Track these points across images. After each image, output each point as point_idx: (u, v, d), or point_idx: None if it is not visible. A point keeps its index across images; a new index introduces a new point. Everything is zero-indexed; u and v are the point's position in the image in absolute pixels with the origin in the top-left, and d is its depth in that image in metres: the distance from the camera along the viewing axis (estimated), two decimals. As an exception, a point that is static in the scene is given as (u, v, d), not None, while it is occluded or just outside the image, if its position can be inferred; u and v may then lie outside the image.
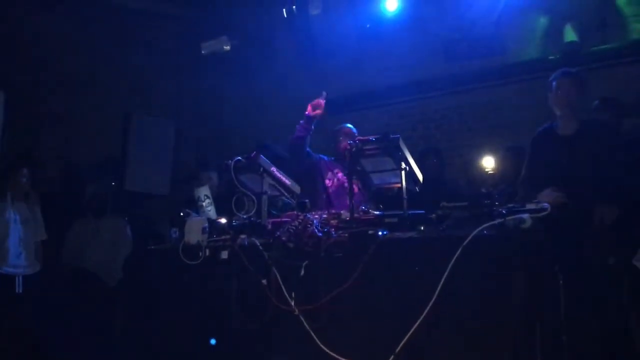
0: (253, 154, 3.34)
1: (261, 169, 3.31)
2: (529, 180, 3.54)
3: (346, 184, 3.63)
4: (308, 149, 4.22)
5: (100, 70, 5.98)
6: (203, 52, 6.06)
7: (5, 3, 5.53)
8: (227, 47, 6.25)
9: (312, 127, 4.10)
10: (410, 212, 2.92)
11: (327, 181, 4.21)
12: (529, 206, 2.57)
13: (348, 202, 3.17)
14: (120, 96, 6.28)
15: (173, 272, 3.32)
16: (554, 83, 3.56)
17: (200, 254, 3.17)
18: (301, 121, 4.12)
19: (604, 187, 3.17)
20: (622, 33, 5.33)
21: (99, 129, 6.11)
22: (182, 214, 3.42)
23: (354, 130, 4.42)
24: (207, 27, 6.54)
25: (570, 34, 5.46)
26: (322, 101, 4.06)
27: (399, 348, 2.57)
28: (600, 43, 5.42)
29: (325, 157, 4.38)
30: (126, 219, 5.28)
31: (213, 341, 3.09)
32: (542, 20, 5.64)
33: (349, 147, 3.18)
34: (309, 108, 4.04)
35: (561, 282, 2.67)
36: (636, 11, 5.21)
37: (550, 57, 5.59)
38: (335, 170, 4.25)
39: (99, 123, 6.17)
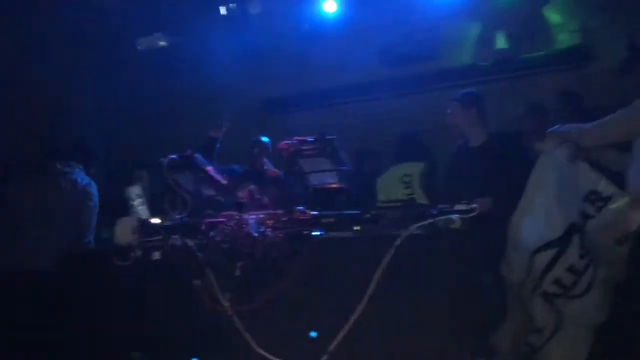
0: (188, 152, 3.28)
1: (196, 167, 3.25)
2: (449, 192, 3.68)
3: (257, 197, 3.68)
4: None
5: (27, 67, 5.72)
6: (139, 48, 5.91)
7: None
8: (163, 44, 6.14)
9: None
10: (346, 212, 2.95)
11: (239, 193, 4.20)
12: (459, 207, 2.64)
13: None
14: (47, 92, 6.02)
15: (104, 273, 3.21)
16: (453, 105, 3.80)
17: (131, 254, 3.08)
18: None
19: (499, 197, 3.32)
20: (550, 42, 5.58)
21: (27, 128, 5.83)
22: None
23: (267, 143, 4.49)
24: (141, 23, 6.37)
25: (501, 42, 5.67)
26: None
27: (332, 346, 2.58)
28: (530, 51, 5.66)
29: (237, 168, 4.43)
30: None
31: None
32: (475, 27, 5.83)
33: (286, 147, 3.18)
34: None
35: (488, 279, 2.76)
36: (561, 22, 5.47)
37: (483, 64, 5.79)
38: (246, 183, 4.25)
39: (26, 122, 5.90)
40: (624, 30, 3.04)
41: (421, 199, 3.49)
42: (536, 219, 2.81)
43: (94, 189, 3.93)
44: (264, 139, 4.61)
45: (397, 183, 4.66)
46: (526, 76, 5.62)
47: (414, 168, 4.64)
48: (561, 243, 2.73)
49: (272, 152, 4.65)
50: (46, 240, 3.68)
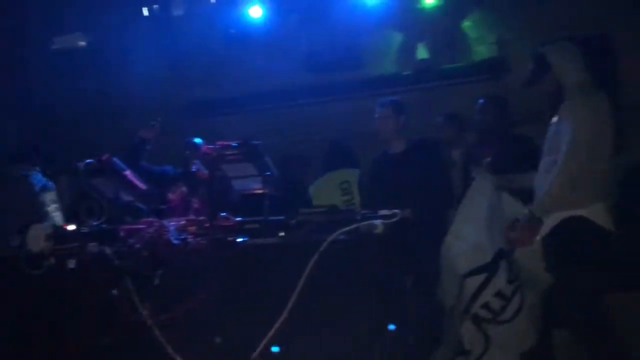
0: (105, 156, 3.17)
1: (114, 172, 3.14)
2: (370, 200, 3.75)
3: (189, 200, 3.62)
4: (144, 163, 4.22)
5: None
6: (54, 47, 5.64)
7: None
8: (82, 44, 5.90)
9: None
10: (270, 218, 2.93)
11: (170, 195, 4.11)
12: (382, 212, 2.70)
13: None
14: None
15: (14, 282, 3.03)
16: (375, 113, 3.87)
17: (45, 263, 2.92)
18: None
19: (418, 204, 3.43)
20: (468, 54, 5.81)
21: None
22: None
23: (200, 144, 4.44)
24: (60, 23, 6.09)
25: (422, 52, 5.84)
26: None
27: (255, 354, 2.56)
28: (450, 62, 5.87)
29: (170, 169, 4.35)
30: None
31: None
32: (397, 37, 5.98)
33: (209, 151, 3.14)
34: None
35: (408, 285, 2.83)
36: (479, 34, 5.72)
37: (405, 73, 5.94)
38: (179, 185, 4.17)
39: None
40: (535, 44, 3.22)
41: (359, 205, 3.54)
42: (466, 244, 2.93)
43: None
44: (197, 140, 4.51)
45: (334, 189, 4.72)
46: (445, 86, 5.82)
47: (351, 175, 4.72)
48: (490, 268, 2.85)
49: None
50: None
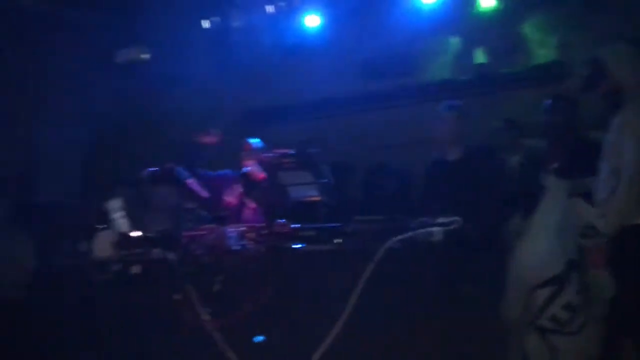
0: (168, 165, 3.27)
1: (176, 181, 3.24)
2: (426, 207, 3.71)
3: (244, 201, 3.66)
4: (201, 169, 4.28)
5: (7, 78, 5.66)
6: (117, 60, 5.87)
7: None
8: (146, 56, 6.11)
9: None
10: (326, 225, 2.95)
11: (226, 198, 4.18)
12: (440, 220, 2.66)
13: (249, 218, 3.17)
14: (28, 105, 5.97)
15: (83, 287, 3.17)
16: (439, 116, 3.78)
17: (111, 268, 3.04)
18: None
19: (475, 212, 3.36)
20: (528, 58, 5.68)
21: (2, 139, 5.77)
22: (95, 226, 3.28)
23: (256, 145, 4.46)
24: (125, 36, 6.35)
25: (480, 57, 5.75)
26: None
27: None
28: (508, 66, 5.74)
29: (230, 172, 4.41)
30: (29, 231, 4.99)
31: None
32: (454, 42, 5.91)
33: (267, 160, 3.19)
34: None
35: (467, 293, 2.78)
36: (539, 37, 5.57)
37: (462, 78, 5.86)
38: (236, 187, 4.24)
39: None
40: (596, 48, 3.09)
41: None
42: (538, 256, 2.83)
43: None
44: (253, 140, 4.56)
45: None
46: (504, 91, 5.70)
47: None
48: (561, 280, 2.76)
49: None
50: None
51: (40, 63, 6.20)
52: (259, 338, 2.69)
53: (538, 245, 2.85)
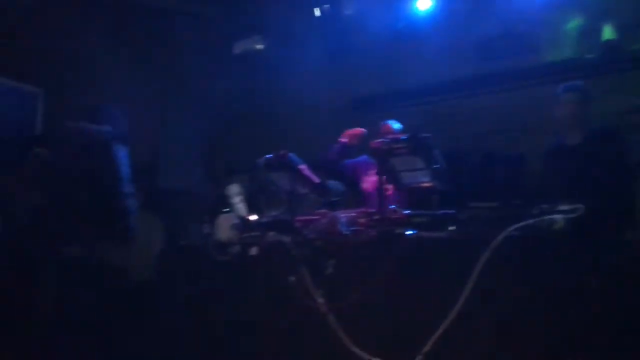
0: (282, 152, 3.37)
1: (290, 167, 3.33)
2: (545, 193, 3.53)
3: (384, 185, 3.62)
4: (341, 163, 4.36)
5: (133, 69, 6.08)
6: (235, 51, 6.11)
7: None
8: (260, 47, 6.30)
9: (346, 153, 4.15)
10: (439, 211, 2.90)
11: (363, 184, 4.22)
12: (562, 207, 2.51)
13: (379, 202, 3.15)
14: (154, 95, 6.38)
15: (203, 268, 3.36)
16: (559, 98, 3.59)
17: (231, 250, 3.20)
18: (336, 145, 4.17)
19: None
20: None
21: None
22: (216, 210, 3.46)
23: (395, 126, 4.41)
24: (237, 27, 6.59)
25: (608, 33, 5.33)
26: (359, 132, 4.10)
27: (426, 348, 2.55)
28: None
29: (366, 158, 4.42)
30: (158, 216, 5.37)
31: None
32: (579, 18, 5.52)
33: (378, 146, 3.18)
34: (346, 136, 4.07)
35: (593, 286, 2.60)
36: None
37: (588, 56, 5.47)
38: (373, 171, 4.26)
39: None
40: None
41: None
42: None
43: None
44: (388, 122, 4.53)
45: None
46: (635, 69, 5.24)
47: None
48: None
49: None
50: None
51: (167, 57, 6.60)
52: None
53: None
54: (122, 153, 3.78)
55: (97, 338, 3.57)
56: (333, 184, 3.78)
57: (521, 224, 2.46)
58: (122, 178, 3.71)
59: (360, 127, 4.59)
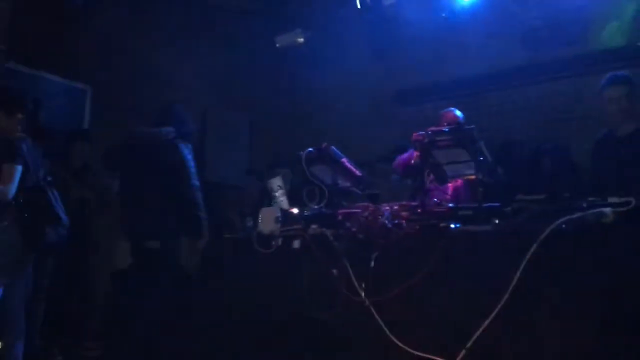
0: (324, 145, 3.37)
1: (332, 160, 3.33)
2: (594, 185, 3.43)
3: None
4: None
5: (178, 65, 6.20)
6: (277, 45, 6.13)
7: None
8: (301, 40, 6.31)
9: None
10: (485, 204, 2.85)
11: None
12: (612, 199, 2.43)
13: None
14: (199, 91, 6.49)
15: (247, 260, 3.41)
16: (603, 92, 3.49)
17: (273, 243, 3.23)
18: (404, 156, 4.16)
19: None
20: None
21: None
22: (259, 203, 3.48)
23: (458, 114, 4.35)
24: (280, 21, 6.62)
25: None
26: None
27: (470, 343, 2.52)
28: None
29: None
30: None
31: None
32: (630, 4, 5.32)
33: (420, 138, 3.15)
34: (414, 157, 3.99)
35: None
36: None
37: (639, 44, 5.27)
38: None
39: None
40: None
41: None
42: None
43: None
44: (451, 109, 4.44)
45: None
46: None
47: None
48: None
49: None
50: None
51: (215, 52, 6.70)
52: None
53: None
54: (186, 150, 4.04)
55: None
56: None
57: (569, 216, 2.39)
58: (191, 173, 3.98)
59: (404, 120, 4.55)
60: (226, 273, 3.56)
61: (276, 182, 3.60)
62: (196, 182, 4.01)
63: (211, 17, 6.68)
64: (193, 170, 4.01)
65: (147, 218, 3.90)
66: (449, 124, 3.86)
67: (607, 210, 2.37)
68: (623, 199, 2.42)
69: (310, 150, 3.39)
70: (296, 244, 3.19)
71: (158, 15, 6.26)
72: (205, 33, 6.66)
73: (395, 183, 4.42)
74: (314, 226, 3.20)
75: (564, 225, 2.39)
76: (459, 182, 3.96)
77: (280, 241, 3.24)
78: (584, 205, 2.44)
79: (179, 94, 5.74)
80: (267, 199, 3.59)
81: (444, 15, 5.89)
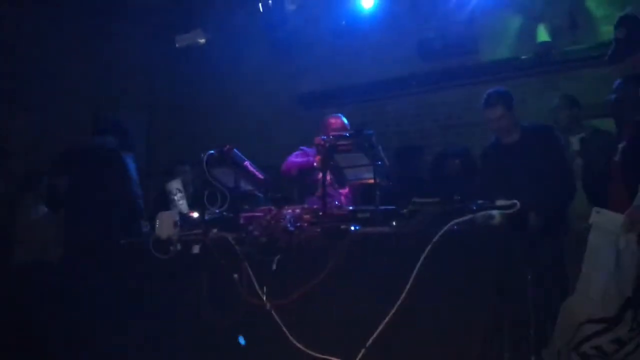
0: (226, 147, 3.31)
1: (234, 162, 3.29)
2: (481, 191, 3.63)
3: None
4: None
5: (69, 65, 5.88)
6: (177, 45, 5.97)
7: None
8: (202, 41, 6.18)
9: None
10: (382, 207, 2.93)
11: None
12: (499, 203, 2.60)
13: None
14: (91, 91, 6.19)
15: (144, 266, 3.28)
16: (483, 112, 3.69)
17: (171, 248, 3.13)
18: (298, 159, 4.13)
19: (537, 195, 3.25)
20: (592, 34, 5.43)
21: (70, 123, 5.98)
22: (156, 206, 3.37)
23: (341, 119, 4.41)
24: (180, 20, 6.46)
25: (542, 34, 5.53)
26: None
27: (369, 342, 2.58)
28: (572, 44, 5.51)
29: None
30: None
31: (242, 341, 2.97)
32: (515, 20, 5.72)
33: (322, 142, 3.19)
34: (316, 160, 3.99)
35: (529, 277, 2.71)
36: (606, 13, 5.31)
37: (523, 57, 5.67)
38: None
39: (67, 118, 6.06)
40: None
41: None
42: (591, 301, 2.73)
43: None
44: (334, 116, 4.49)
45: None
46: (568, 70, 5.48)
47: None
48: (613, 321, 2.65)
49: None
50: None
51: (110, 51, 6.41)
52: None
53: (592, 290, 2.73)
54: (129, 159, 4.05)
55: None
56: None
57: (460, 219, 2.53)
58: (133, 182, 4.01)
59: (306, 123, 4.58)
60: (122, 279, 3.40)
61: (175, 185, 3.49)
62: (138, 191, 4.04)
63: (103, 14, 6.39)
64: (136, 179, 4.04)
65: (87, 226, 3.86)
66: (333, 130, 3.98)
67: (494, 212, 2.53)
68: (509, 202, 2.59)
69: (211, 153, 3.31)
70: (196, 249, 3.12)
71: (47, 14, 5.90)
72: (96, 31, 6.36)
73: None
74: (214, 230, 3.14)
75: (455, 227, 2.51)
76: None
77: (179, 246, 3.15)
78: (474, 207, 2.58)
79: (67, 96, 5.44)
80: (166, 202, 3.48)
81: (343, 22, 6.02)
